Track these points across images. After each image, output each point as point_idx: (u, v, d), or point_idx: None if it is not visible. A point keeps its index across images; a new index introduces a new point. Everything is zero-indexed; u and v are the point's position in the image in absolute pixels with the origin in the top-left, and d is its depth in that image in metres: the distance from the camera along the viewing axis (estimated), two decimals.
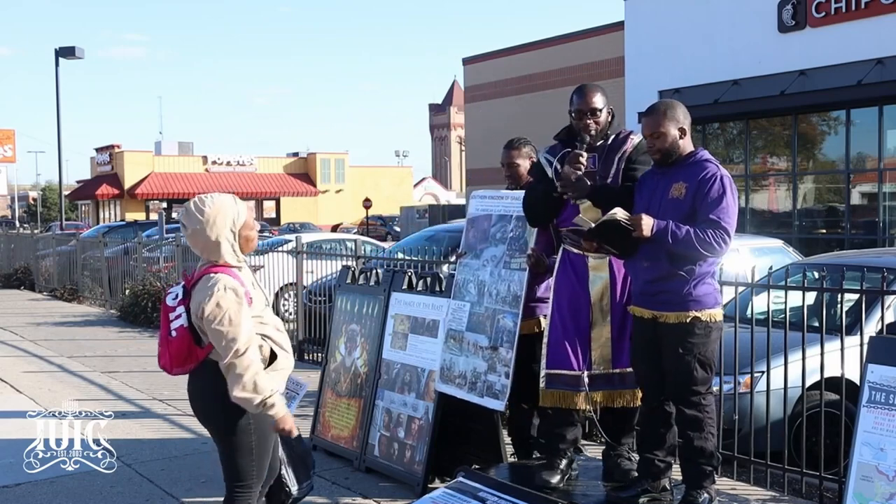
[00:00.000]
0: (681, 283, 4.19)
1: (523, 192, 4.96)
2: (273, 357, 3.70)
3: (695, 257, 4.15)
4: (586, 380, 4.55)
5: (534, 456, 5.25)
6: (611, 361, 4.58)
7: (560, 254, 4.71)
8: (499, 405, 4.90)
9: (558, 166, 4.66)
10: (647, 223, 4.09)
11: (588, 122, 4.59)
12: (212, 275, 3.58)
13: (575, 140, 4.64)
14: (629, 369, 4.56)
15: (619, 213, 4.15)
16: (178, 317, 3.57)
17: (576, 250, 4.61)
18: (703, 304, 4.21)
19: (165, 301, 3.66)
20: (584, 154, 4.52)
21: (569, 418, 4.69)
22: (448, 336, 5.30)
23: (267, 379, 3.55)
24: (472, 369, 5.10)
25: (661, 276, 4.21)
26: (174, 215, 46.48)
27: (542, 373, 4.67)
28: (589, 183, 4.52)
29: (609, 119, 4.67)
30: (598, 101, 4.61)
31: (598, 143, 4.63)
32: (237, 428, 3.63)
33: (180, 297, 3.61)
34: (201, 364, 3.62)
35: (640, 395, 4.57)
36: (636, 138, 4.63)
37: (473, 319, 5.17)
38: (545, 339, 4.71)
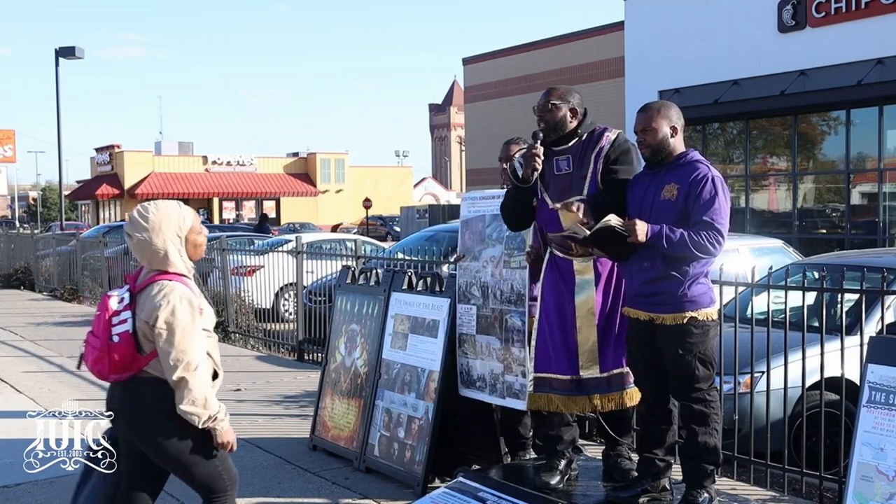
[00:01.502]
0: (675, 284, 4.19)
1: None
2: (215, 376, 3.62)
3: (689, 259, 4.15)
4: (572, 384, 4.54)
5: (527, 456, 5.26)
6: (598, 365, 4.55)
7: (547, 257, 4.68)
8: (521, 405, 4.89)
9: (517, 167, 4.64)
10: (642, 229, 4.09)
11: (539, 117, 4.58)
12: (164, 282, 3.45)
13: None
14: (615, 371, 4.54)
15: (614, 219, 4.15)
16: (122, 321, 3.43)
17: (561, 254, 4.61)
18: (698, 304, 4.21)
19: (108, 303, 3.47)
20: (540, 149, 4.48)
21: (564, 419, 4.69)
22: (460, 340, 5.32)
23: (214, 394, 3.47)
24: (489, 371, 5.13)
25: (656, 278, 4.21)
26: None
27: (530, 376, 4.68)
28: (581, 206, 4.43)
29: (569, 117, 4.55)
30: (553, 96, 4.57)
31: (573, 143, 4.57)
32: (190, 440, 3.47)
33: (127, 301, 3.47)
34: (137, 375, 3.48)
35: (629, 396, 4.56)
36: (612, 134, 4.55)
37: (482, 322, 5.20)
38: (532, 343, 4.70)
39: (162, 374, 3.45)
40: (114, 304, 3.46)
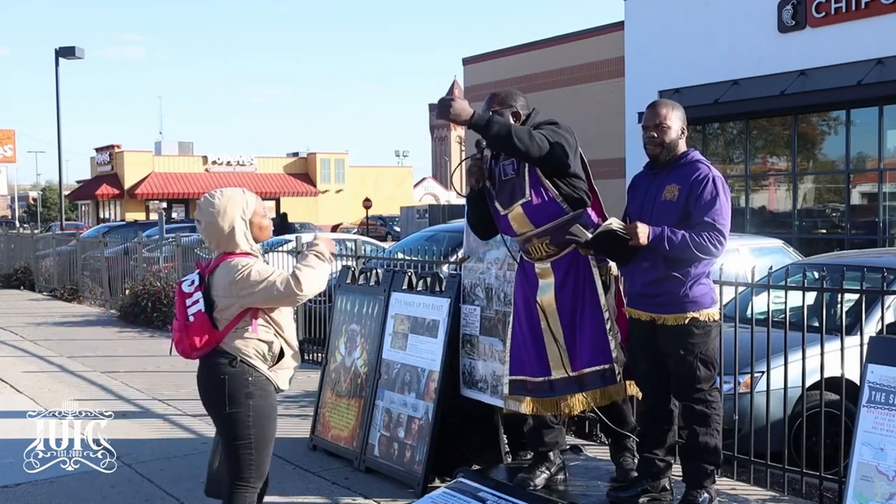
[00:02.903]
0: (677, 284, 4.19)
1: None
2: (281, 355, 3.85)
3: (691, 260, 4.15)
4: (545, 385, 4.53)
5: (528, 456, 5.27)
6: (569, 365, 4.52)
7: (518, 262, 4.72)
8: (522, 407, 4.90)
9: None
10: (643, 231, 4.08)
11: None
12: (229, 260, 3.74)
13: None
14: (587, 370, 4.49)
15: (615, 222, 4.14)
16: (195, 302, 3.73)
17: (526, 257, 4.62)
18: (700, 305, 4.21)
19: (181, 288, 3.79)
20: (481, 156, 4.50)
21: (545, 421, 4.69)
22: (464, 341, 5.33)
23: (311, 273, 3.73)
24: (491, 373, 5.14)
25: (658, 279, 4.20)
26: (174, 215, 46.45)
27: (505, 379, 4.70)
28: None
29: (512, 121, 4.50)
30: (494, 103, 4.57)
31: None
32: (237, 419, 3.75)
33: (197, 283, 3.76)
34: (215, 349, 3.75)
35: (604, 394, 4.50)
36: (542, 119, 4.53)
37: (486, 323, 5.22)
38: (507, 345, 4.73)
39: (238, 349, 3.73)
40: (186, 287, 3.78)
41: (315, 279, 3.74)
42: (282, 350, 3.84)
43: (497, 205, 4.58)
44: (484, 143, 4.49)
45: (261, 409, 3.77)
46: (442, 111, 4.33)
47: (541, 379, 4.55)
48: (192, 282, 3.77)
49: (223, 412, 3.76)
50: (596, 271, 4.51)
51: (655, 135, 4.27)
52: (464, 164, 4.65)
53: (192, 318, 3.70)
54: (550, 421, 4.70)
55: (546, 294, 4.54)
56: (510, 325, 4.76)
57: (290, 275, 3.72)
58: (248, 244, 3.79)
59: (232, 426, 3.76)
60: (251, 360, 3.76)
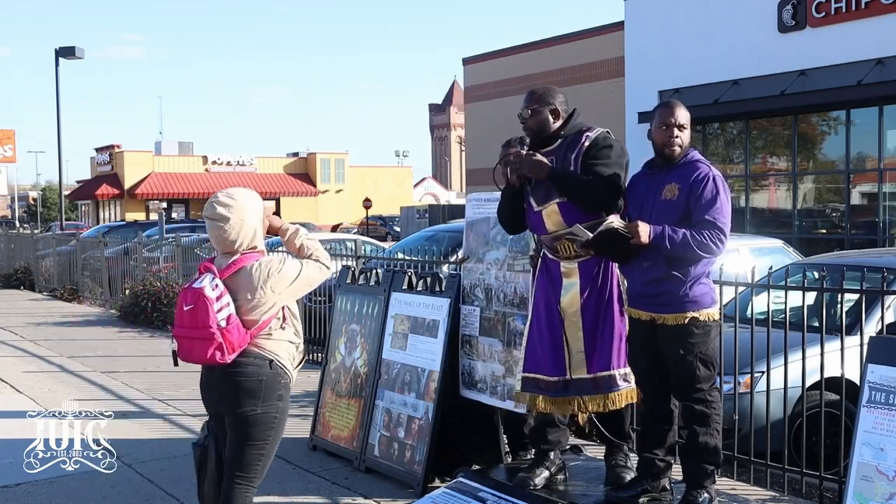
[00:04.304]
0: (677, 284, 4.19)
1: None
2: (303, 356, 3.91)
3: (692, 259, 4.14)
4: (559, 384, 4.53)
5: (528, 456, 5.27)
6: (584, 367, 4.51)
7: (540, 260, 4.70)
8: (521, 408, 4.90)
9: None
10: (645, 230, 4.08)
11: (522, 123, 4.63)
12: (258, 261, 3.68)
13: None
14: (602, 373, 4.49)
15: (616, 221, 4.14)
16: (225, 305, 3.61)
17: (551, 255, 4.61)
18: (700, 305, 4.21)
19: (203, 292, 3.57)
20: (521, 151, 4.52)
21: (551, 420, 4.69)
22: (463, 341, 5.33)
23: (319, 252, 3.86)
24: (490, 373, 5.15)
25: (658, 278, 4.21)
26: (174, 215, 46.43)
27: (519, 375, 4.70)
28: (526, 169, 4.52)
29: (551, 119, 4.55)
30: (532, 101, 4.58)
31: (557, 144, 4.55)
32: (263, 421, 3.71)
33: (221, 287, 3.62)
34: (243, 351, 3.68)
35: (613, 399, 4.50)
36: (593, 133, 4.51)
37: (485, 324, 5.22)
38: (524, 342, 4.72)
39: (272, 351, 3.73)
40: (209, 292, 3.59)
41: (323, 251, 3.88)
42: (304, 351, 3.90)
43: (532, 200, 4.58)
44: (528, 141, 4.53)
45: (285, 411, 3.82)
46: (530, 167, 4.45)
47: (555, 378, 4.54)
48: (217, 286, 3.61)
49: (253, 413, 3.69)
50: (622, 277, 4.51)
51: (677, 135, 4.26)
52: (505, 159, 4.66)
53: (224, 323, 3.57)
54: (558, 420, 4.70)
55: (568, 294, 4.53)
56: (527, 323, 4.73)
57: (312, 260, 3.81)
58: (262, 242, 3.80)
59: (254, 427, 3.71)
60: (283, 361, 3.78)
